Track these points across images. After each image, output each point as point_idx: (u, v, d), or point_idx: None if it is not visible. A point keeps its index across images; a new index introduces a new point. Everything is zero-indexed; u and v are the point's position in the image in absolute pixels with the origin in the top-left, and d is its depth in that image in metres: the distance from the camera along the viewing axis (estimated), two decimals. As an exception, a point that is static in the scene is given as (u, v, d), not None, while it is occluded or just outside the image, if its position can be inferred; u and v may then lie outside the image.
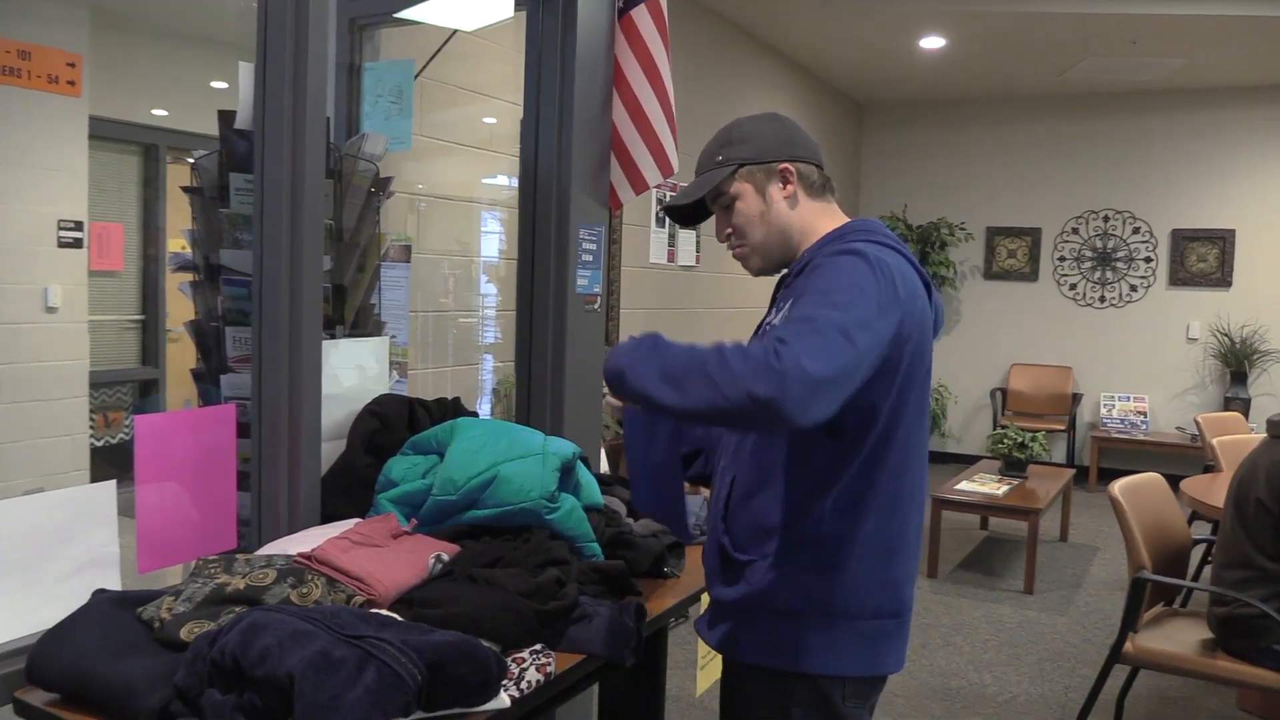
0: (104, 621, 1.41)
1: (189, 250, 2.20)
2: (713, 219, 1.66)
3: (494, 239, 4.41)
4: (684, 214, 1.64)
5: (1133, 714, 3.60)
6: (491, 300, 4.39)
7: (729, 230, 1.57)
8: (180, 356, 5.47)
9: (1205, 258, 7.98)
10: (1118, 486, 3.07)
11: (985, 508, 5.36)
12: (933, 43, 6.81)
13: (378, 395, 2.09)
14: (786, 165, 1.49)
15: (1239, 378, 7.73)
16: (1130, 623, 2.94)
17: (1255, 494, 2.79)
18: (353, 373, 2.13)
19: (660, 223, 5.75)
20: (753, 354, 1.19)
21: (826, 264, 1.36)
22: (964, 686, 3.90)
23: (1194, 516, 4.47)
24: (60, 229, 5.02)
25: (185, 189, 2.17)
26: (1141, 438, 7.83)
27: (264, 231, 1.85)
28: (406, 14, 2.78)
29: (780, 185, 1.50)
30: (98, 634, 1.38)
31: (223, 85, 4.27)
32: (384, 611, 1.46)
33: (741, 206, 1.51)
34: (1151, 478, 3.26)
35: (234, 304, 2.05)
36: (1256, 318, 7.78)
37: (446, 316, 4.13)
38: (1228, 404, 7.68)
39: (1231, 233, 7.87)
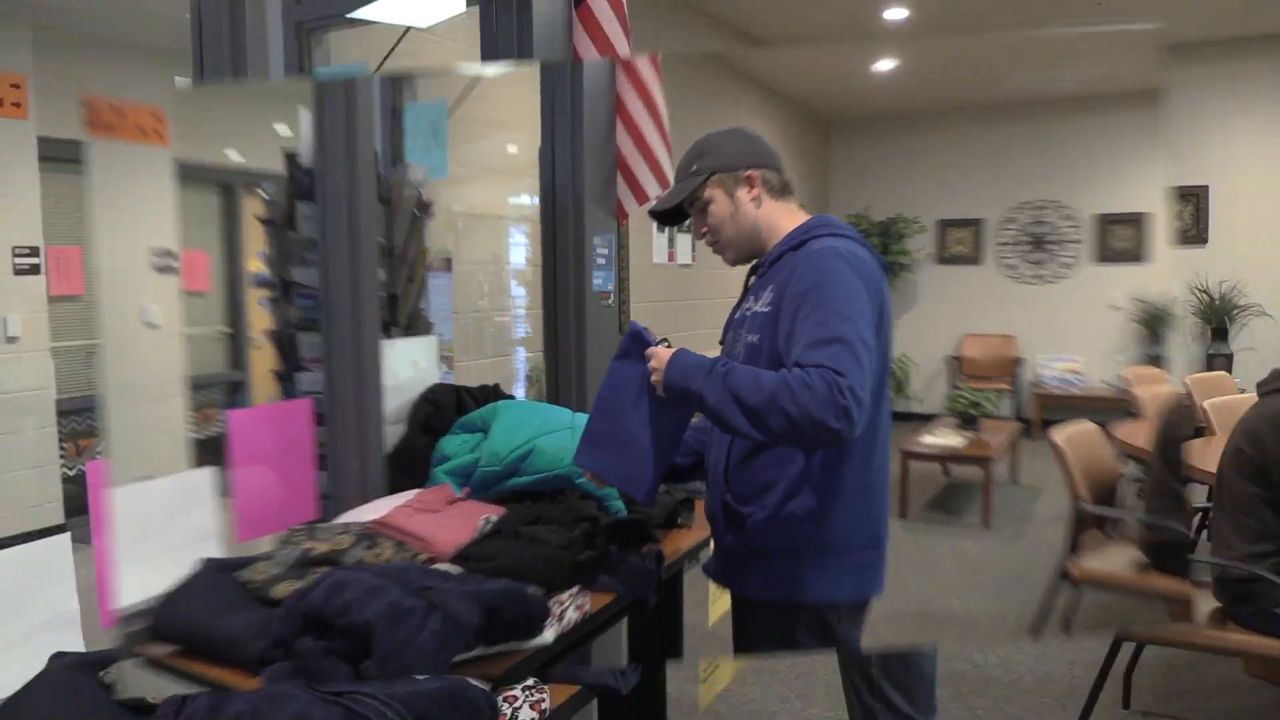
0: (211, 584, 1.59)
1: (266, 270, 2.41)
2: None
3: (521, 249, 5.02)
4: (666, 216, 1.81)
5: (1140, 687, 3.56)
6: (521, 301, 5.07)
7: (705, 229, 1.75)
8: (262, 361, 5.89)
9: (1124, 237, 8.75)
10: (1058, 435, 3.28)
11: (946, 458, 6.12)
12: (885, 64, 7.82)
13: (430, 385, 2.35)
14: (751, 172, 1.67)
15: (1220, 334, 7.75)
16: (1073, 548, 3.07)
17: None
18: (408, 367, 2.37)
19: (660, 228, 6.04)
20: (818, 389, 1.36)
21: (815, 269, 1.54)
22: (967, 669, 3.85)
23: (1187, 480, 4.52)
24: (15, 255, 4.89)
25: (260, 219, 2.36)
26: (1076, 393, 8.61)
27: (328, 251, 2.11)
28: (358, 14, 2.73)
29: (746, 189, 1.68)
30: (206, 595, 1.55)
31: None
32: (445, 566, 1.66)
33: (714, 209, 1.69)
34: (1086, 426, 3.47)
35: (306, 314, 2.28)
36: (1235, 272, 7.79)
37: (484, 316, 4.65)
38: (1210, 361, 7.69)
39: (1205, 189, 7.89)
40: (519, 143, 4.64)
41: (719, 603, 2.01)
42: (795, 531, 1.60)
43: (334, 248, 2.08)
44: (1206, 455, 3.78)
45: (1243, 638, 2.80)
